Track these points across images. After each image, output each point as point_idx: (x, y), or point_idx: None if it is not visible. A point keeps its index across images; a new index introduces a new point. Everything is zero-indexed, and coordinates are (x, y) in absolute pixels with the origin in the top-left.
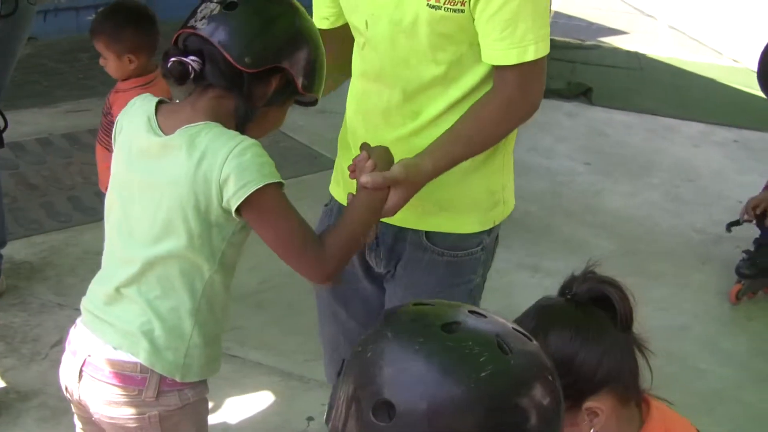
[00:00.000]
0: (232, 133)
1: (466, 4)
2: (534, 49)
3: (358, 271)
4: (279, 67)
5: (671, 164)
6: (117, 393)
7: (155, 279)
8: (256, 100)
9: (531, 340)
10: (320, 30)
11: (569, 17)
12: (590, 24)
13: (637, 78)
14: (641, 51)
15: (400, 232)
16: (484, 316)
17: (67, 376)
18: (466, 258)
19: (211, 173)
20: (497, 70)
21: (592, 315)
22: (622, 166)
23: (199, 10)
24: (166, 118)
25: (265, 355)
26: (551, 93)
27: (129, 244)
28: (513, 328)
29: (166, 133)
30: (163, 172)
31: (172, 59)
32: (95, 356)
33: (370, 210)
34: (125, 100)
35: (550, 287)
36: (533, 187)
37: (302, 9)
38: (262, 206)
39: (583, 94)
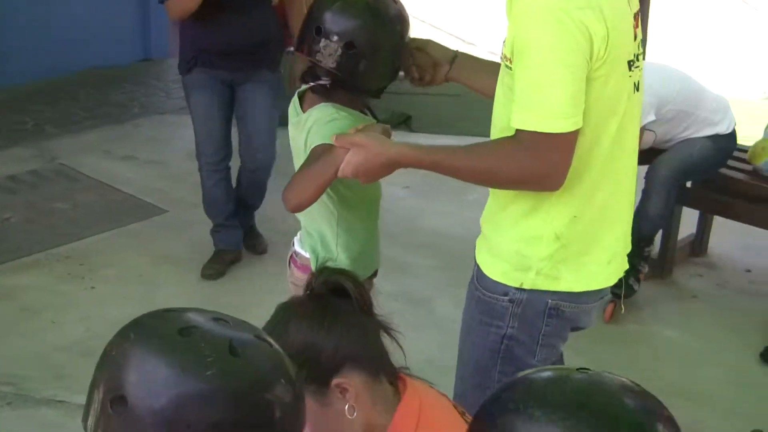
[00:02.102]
0: None
1: (513, 63)
2: (534, 122)
3: None
4: None
5: None
6: None
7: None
8: None
9: (271, 345)
10: None
11: None
12: None
13: (457, 103)
14: None
15: None
16: (228, 323)
17: None
18: (492, 301)
19: None
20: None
21: (327, 303)
22: (440, 187)
23: None
24: None
25: None
26: None
27: None
28: (255, 335)
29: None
30: None
31: None
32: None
33: (326, 162)
34: None
35: (378, 306)
36: None
37: None
38: None
39: (403, 122)
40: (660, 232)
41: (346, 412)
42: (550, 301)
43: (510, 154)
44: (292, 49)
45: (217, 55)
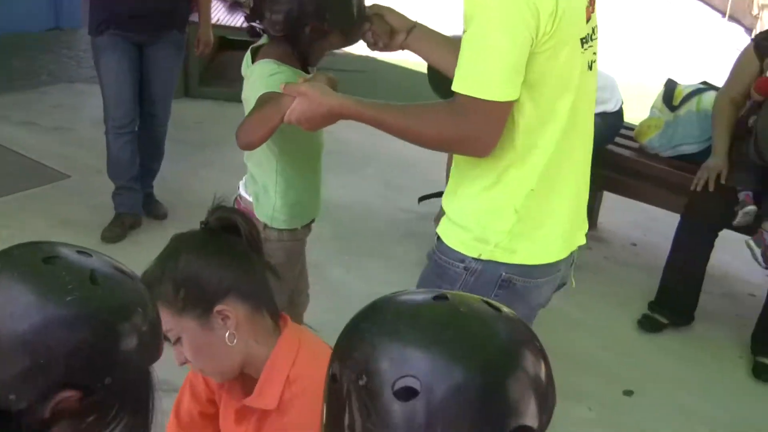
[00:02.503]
0: None
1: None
2: (468, 86)
3: None
4: None
5: (387, 156)
6: None
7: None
8: None
9: (132, 278)
10: None
11: None
12: None
13: (364, 80)
14: (371, 55)
15: None
16: (91, 256)
17: None
18: (447, 266)
19: None
20: None
21: (218, 237)
22: (341, 161)
23: None
24: None
25: None
26: None
27: None
28: (116, 268)
29: None
30: None
31: None
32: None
33: (273, 107)
34: None
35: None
36: None
37: None
38: None
39: None
40: None
41: (227, 339)
42: (504, 273)
43: (443, 115)
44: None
45: (129, 17)
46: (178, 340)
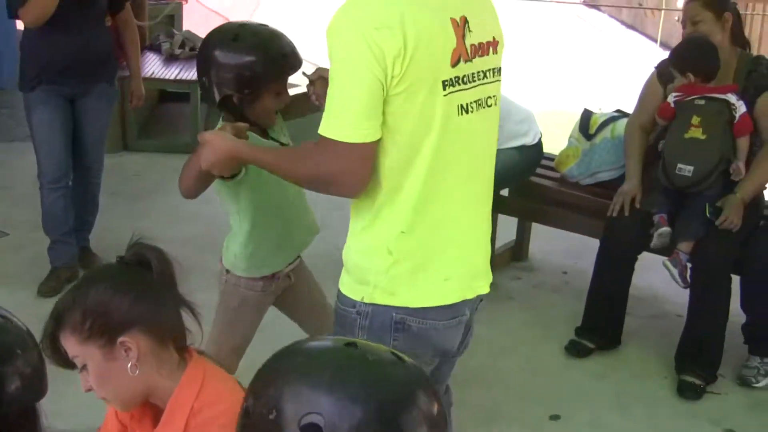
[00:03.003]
0: None
1: None
2: (325, 128)
3: None
4: None
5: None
6: None
7: None
8: None
9: (11, 322)
10: None
11: None
12: None
13: (304, 122)
14: None
15: None
16: None
17: None
18: (343, 313)
19: None
20: None
21: (131, 271)
22: None
23: None
24: None
25: None
26: None
27: None
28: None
29: None
30: None
31: None
32: None
33: (194, 157)
34: None
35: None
36: (189, 232)
37: None
38: None
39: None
40: None
41: (129, 370)
42: (394, 314)
43: (309, 156)
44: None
45: (60, 71)
46: (84, 367)
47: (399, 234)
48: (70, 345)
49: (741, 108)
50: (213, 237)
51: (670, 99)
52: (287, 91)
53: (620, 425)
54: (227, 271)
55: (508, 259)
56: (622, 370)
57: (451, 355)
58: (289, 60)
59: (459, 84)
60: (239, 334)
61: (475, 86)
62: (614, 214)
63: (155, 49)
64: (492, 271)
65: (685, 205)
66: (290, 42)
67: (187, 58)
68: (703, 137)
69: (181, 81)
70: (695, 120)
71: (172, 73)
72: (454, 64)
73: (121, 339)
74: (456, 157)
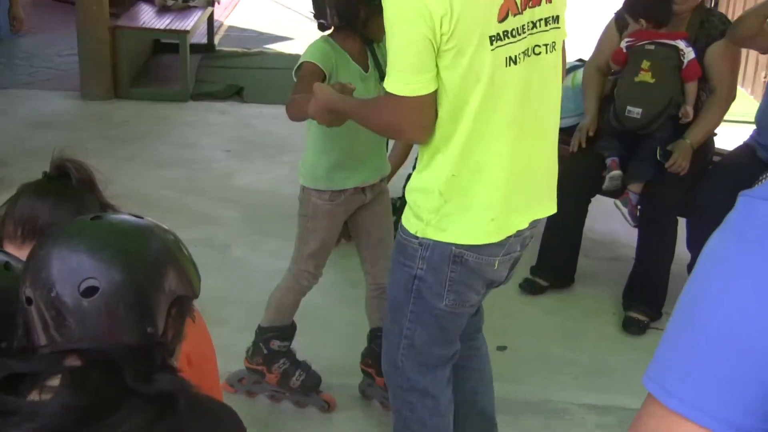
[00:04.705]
0: None
1: None
2: (386, 83)
3: None
4: None
5: (305, 145)
6: None
7: None
8: None
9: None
10: None
11: (242, 29)
12: (260, 34)
13: (287, 76)
14: (301, 53)
15: None
16: None
17: None
18: (406, 243)
19: None
20: None
21: (55, 182)
22: (260, 151)
23: None
24: None
25: None
26: (206, 95)
27: None
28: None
29: None
30: None
31: None
32: None
33: (306, 100)
34: None
35: None
36: (172, 176)
37: None
38: None
39: (237, 93)
40: None
41: None
42: (453, 248)
43: (377, 109)
44: None
45: None
46: None
47: (449, 177)
48: (10, 252)
49: (690, 54)
50: (193, 181)
51: (623, 44)
52: None
53: (565, 356)
54: (303, 186)
55: None
56: (571, 306)
57: (497, 285)
58: None
59: (507, 38)
60: (313, 240)
61: (523, 38)
62: (575, 150)
63: (148, 0)
64: None
65: (636, 149)
66: None
67: (179, 9)
68: (652, 81)
69: (171, 31)
70: (645, 64)
71: (164, 23)
72: (502, 20)
73: None
74: (504, 106)
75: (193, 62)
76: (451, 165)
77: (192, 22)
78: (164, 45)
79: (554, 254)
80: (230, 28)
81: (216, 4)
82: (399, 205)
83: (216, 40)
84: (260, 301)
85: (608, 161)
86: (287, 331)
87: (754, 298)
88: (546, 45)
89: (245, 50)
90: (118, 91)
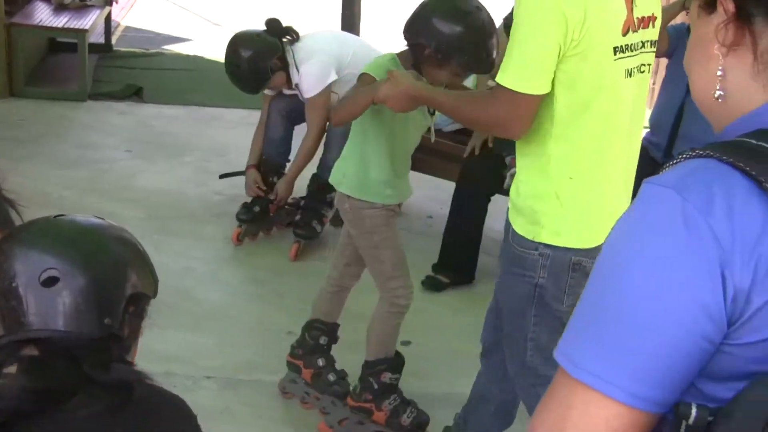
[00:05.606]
0: None
1: None
2: (501, 77)
3: None
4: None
5: (207, 145)
6: None
7: None
8: None
9: None
10: None
11: (138, 30)
12: (157, 34)
13: (191, 77)
14: (200, 54)
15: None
16: None
17: None
18: (524, 254)
19: None
20: None
21: None
22: (161, 151)
23: None
24: None
25: None
26: (104, 95)
27: None
28: None
29: None
30: None
31: None
32: None
33: (368, 90)
34: None
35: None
36: (73, 176)
37: None
38: None
39: (135, 94)
40: None
41: None
42: (573, 257)
43: (483, 99)
44: None
45: None
46: None
47: (567, 180)
48: None
49: None
50: (94, 181)
51: None
52: (462, 81)
53: (465, 347)
54: (348, 197)
55: None
56: (472, 302)
57: None
58: (486, 62)
59: (627, 51)
60: (387, 252)
61: (636, 54)
62: (465, 155)
63: None
64: None
65: None
66: (494, 46)
67: (77, 8)
68: None
69: (69, 30)
70: None
71: (61, 21)
72: (625, 33)
73: None
74: (620, 115)
75: (90, 62)
76: (570, 169)
77: (90, 21)
78: (59, 44)
79: (455, 252)
80: (127, 28)
81: (114, 3)
82: (302, 204)
83: (113, 40)
84: (167, 301)
85: (508, 159)
86: (396, 363)
87: (644, 277)
88: (648, 65)
89: (143, 51)
90: (13, 90)
